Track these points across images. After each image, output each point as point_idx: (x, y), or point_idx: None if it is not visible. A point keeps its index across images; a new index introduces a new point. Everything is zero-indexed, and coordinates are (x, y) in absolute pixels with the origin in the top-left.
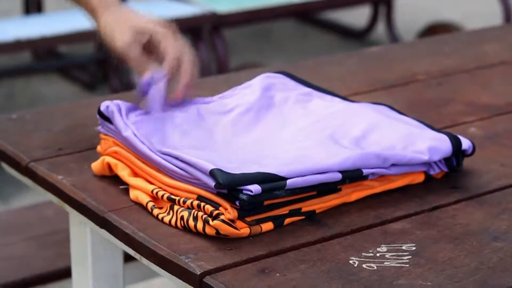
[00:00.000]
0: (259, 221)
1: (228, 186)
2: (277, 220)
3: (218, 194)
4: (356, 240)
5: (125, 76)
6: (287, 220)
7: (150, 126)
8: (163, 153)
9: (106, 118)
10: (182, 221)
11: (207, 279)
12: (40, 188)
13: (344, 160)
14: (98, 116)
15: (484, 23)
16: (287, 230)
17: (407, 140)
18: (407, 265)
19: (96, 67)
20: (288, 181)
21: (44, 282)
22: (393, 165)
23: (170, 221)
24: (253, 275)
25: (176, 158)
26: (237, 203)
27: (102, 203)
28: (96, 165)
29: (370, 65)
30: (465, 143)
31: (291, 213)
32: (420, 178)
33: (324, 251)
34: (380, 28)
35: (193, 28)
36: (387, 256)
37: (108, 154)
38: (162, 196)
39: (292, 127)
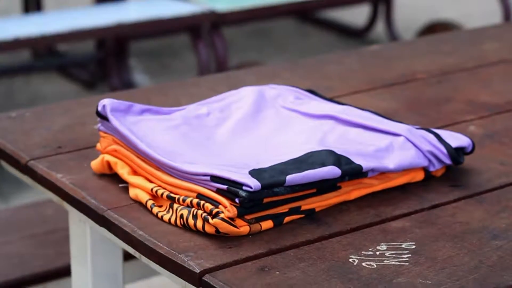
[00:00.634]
0: (259, 219)
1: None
2: (277, 219)
3: (218, 192)
4: (355, 238)
5: (125, 75)
6: (287, 219)
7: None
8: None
9: (104, 117)
10: (181, 220)
11: (207, 277)
12: (39, 186)
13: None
14: (96, 114)
15: (483, 22)
16: (287, 229)
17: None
18: (407, 264)
19: (96, 65)
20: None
21: (43, 281)
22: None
23: (169, 219)
24: (253, 274)
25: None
26: (236, 200)
27: (102, 201)
28: (95, 163)
29: (370, 64)
30: (465, 141)
31: (291, 212)
32: (420, 176)
33: (323, 249)
34: (380, 27)
35: (192, 27)
36: (386, 254)
37: (107, 152)
38: (162, 194)
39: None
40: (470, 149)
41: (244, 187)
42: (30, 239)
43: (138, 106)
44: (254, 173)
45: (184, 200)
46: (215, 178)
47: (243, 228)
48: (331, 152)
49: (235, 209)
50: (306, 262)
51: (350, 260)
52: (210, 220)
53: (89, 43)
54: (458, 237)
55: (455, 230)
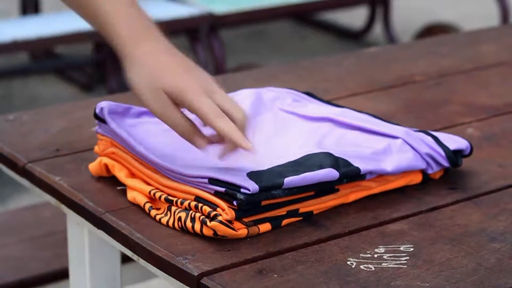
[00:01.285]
0: (257, 222)
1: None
2: (275, 221)
3: (216, 195)
4: (353, 241)
5: (123, 77)
6: (285, 221)
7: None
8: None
9: (102, 119)
10: (179, 222)
11: (205, 280)
12: (37, 189)
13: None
14: (94, 117)
15: (481, 24)
16: (285, 231)
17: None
18: (405, 266)
19: (94, 68)
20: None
21: (41, 283)
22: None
23: (167, 222)
24: (251, 276)
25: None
26: (234, 203)
27: (100, 204)
28: (93, 166)
29: (368, 66)
30: (463, 144)
31: (289, 214)
32: (418, 179)
33: (321, 252)
34: (378, 29)
35: (190, 29)
36: (384, 257)
37: (105, 155)
38: (160, 197)
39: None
40: (468, 151)
41: (242, 190)
42: (28, 241)
43: (135, 109)
44: (252, 175)
45: (182, 203)
46: (213, 181)
47: (241, 230)
48: (329, 155)
49: (233, 211)
50: (304, 265)
51: (348, 262)
52: (208, 223)
53: (86, 46)
54: (456, 240)
55: (453, 232)
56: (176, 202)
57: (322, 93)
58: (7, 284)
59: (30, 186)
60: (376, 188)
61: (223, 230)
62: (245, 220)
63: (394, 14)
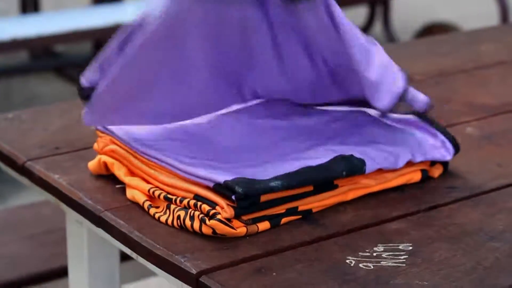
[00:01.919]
0: (256, 220)
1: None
2: (274, 220)
3: (215, 191)
4: (352, 239)
5: None
6: (284, 220)
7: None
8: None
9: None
10: (178, 221)
11: (204, 279)
12: (36, 187)
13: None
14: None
15: (481, 24)
16: (284, 230)
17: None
18: (404, 265)
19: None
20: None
21: (40, 281)
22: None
23: (166, 220)
24: (250, 275)
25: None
26: (233, 197)
27: (99, 202)
28: (92, 164)
29: None
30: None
31: (288, 212)
32: (417, 177)
33: (320, 250)
34: (377, 28)
35: None
36: (383, 255)
37: (104, 153)
38: (159, 195)
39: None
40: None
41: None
42: (27, 239)
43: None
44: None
45: (181, 201)
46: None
47: (240, 229)
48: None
49: (232, 209)
50: (303, 263)
51: (347, 261)
52: (207, 221)
53: (86, 44)
54: (455, 239)
55: (452, 231)
56: (175, 200)
57: None
58: (6, 281)
59: (30, 184)
60: (375, 186)
61: (222, 228)
62: (244, 218)
63: (394, 13)
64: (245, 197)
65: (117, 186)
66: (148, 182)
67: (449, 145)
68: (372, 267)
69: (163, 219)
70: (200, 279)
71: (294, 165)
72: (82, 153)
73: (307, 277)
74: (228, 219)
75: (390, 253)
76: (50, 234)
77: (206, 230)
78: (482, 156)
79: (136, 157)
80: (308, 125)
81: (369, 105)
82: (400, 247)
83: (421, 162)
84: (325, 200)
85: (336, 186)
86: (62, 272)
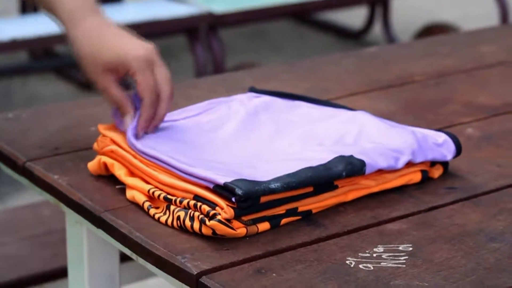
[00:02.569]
0: (256, 221)
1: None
2: (274, 220)
3: (215, 192)
4: (352, 240)
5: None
6: (284, 220)
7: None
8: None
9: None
10: (178, 221)
11: (204, 279)
12: (36, 187)
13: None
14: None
15: (480, 24)
16: (284, 230)
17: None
18: (404, 266)
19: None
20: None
21: (40, 282)
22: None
23: (166, 221)
24: (250, 275)
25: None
26: (233, 199)
27: (99, 202)
28: (92, 165)
29: (367, 66)
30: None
31: (288, 213)
32: (417, 178)
33: (320, 251)
34: (377, 29)
35: (189, 28)
36: (383, 256)
37: (104, 153)
38: (159, 196)
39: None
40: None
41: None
42: (27, 240)
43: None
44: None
45: (181, 202)
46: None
47: (240, 230)
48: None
49: (231, 210)
50: (303, 264)
51: (347, 262)
52: (207, 222)
53: None
54: (455, 239)
55: (452, 232)
56: (175, 201)
57: (321, 92)
58: (6, 282)
59: (29, 184)
60: (375, 187)
61: (222, 229)
62: (244, 218)
63: (394, 14)
64: (245, 199)
65: (117, 186)
66: (148, 183)
67: (451, 144)
68: (372, 268)
69: (163, 219)
70: (200, 280)
71: (294, 165)
72: (82, 154)
73: (307, 278)
74: (228, 220)
75: (390, 254)
76: (49, 235)
77: (206, 230)
78: (482, 156)
79: (135, 157)
80: (308, 125)
81: None
82: (400, 248)
83: (421, 163)
84: (325, 200)
85: (336, 187)
86: (62, 273)
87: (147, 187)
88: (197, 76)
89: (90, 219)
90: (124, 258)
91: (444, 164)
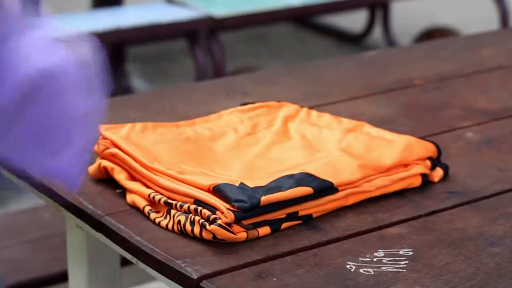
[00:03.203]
0: (256, 225)
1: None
2: (274, 225)
3: (215, 195)
4: (353, 244)
5: (122, 80)
6: (284, 225)
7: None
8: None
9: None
10: (179, 226)
11: (204, 284)
12: (36, 191)
13: None
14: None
15: (480, 28)
16: (284, 235)
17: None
18: (404, 270)
19: None
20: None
21: (40, 286)
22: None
23: (167, 225)
24: (250, 280)
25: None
26: (234, 203)
27: (99, 207)
28: (92, 169)
29: (367, 70)
30: None
31: (288, 217)
32: (417, 182)
33: (321, 255)
34: (377, 33)
35: (189, 32)
36: (384, 261)
37: (105, 156)
38: (159, 200)
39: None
40: None
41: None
42: (27, 244)
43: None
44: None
45: (181, 206)
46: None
47: (241, 234)
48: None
49: (232, 214)
50: (304, 269)
51: (348, 266)
52: (208, 226)
53: None
54: (455, 244)
55: (452, 236)
56: (176, 205)
57: (321, 96)
58: (6, 286)
59: (29, 188)
60: (376, 191)
61: (222, 233)
62: (245, 223)
63: (394, 18)
64: (249, 208)
65: (117, 190)
66: (148, 187)
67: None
68: (372, 273)
69: (163, 224)
70: (200, 284)
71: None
72: None
73: (307, 282)
74: (229, 224)
75: (391, 258)
76: (50, 239)
77: (206, 235)
78: (482, 161)
79: (136, 161)
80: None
81: None
82: (400, 253)
83: (422, 166)
84: (326, 204)
85: (336, 190)
86: (62, 277)
87: (147, 191)
88: (197, 80)
89: (90, 223)
90: (124, 262)
91: (445, 168)
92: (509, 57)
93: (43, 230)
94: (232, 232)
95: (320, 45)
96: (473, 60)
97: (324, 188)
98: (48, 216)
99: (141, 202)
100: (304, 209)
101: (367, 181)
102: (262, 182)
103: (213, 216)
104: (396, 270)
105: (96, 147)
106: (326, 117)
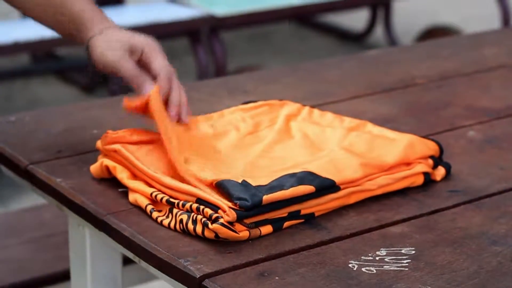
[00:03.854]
0: (258, 224)
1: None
2: (276, 224)
3: (218, 193)
4: (355, 243)
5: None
6: (286, 224)
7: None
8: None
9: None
10: (181, 224)
11: (206, 283)
12: (39, 190)
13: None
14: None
15: (482, 27)
16: (286, 234)
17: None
18: (406, 269)
19: (95, 69)
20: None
21: (42, 285)
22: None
23: (169, 224)
24: (252, 279)
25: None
26: (236, 201)
27: (101, 206)
28: (94, 168)
29: (369, 68)
30: None
31: (290, 216)
32: (419, 180)
33: (323, 254)
34: (379, 31)
35: (191, 31)
36: (386, 259)
37: (107, 153)
38: (161, 199)
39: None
40: None
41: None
42: (29, 243)
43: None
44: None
45: (183, 205)
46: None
47: (243, 233)
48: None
49: (234, 213)
50: (306, 267)
51: (350, 265)
52: (210, 225)
53: None
54: (458, 243)
55: (455, 235)
56: (178, 204)
57: (323, 95)
58: (7, 286)
59: (32, 187)
60: (378, 189)
61: (224, 232)
62: (247, 221)
63: (395, 17)
64: (251, 207)
65: (120, 190)
66: (150, 186)
67: None
68: (374, 271)
69: (165, 223)
70: (203, 283)
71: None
72: (85, 157)
73: (309, 281)
74: (231, 223)
75: (393, 257)
76: (52, 238)
77: (208, 234)
78: (484, 159)
79: (138, 159)
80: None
81: None
82: (402, 251)
83: (424, 164)
84: (328, 203)
85: (338, 188)
86: (64, 276)
87: (149, 190)
88: (199, 79)
89: (92, 222)
90: (126, 261)
91: (447, 166)
92: (511, 56)
93: (45, 229)
94: (234, 231)
95: (322, 44)
96: (475, 59)
97: (326, 187)
98: (50, 215)
99: (143, 201)
100: (306, 208)
101: (369, 180)
102: (264, 181)
103: (215, 215)
104: (398, 268)
105: (98, 143)
106: (328, 116)
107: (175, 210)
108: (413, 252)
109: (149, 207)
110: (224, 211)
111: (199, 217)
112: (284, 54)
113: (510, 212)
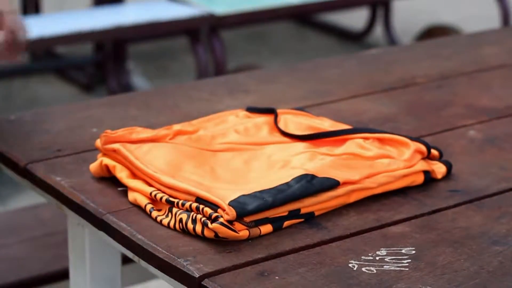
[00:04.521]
0: (258, 223)
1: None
2: (276, 223)
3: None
4: (355, 243)
5: (123, 78)
6: (286, 223)
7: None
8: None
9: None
10: (180, 224)
11: (206, 282)
12: (38, 189)
13: None
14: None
15: (482, 26)
16: (286, 233)
17: None
18: (407, 269)
19: (94, 68)
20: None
21: (41, 284)
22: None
23: (168, 223)
24: (252, 278)
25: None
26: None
27: (101, 205)
28: (94, 167)
29: (369, 68)
30: None
31: (290, 215)
32: (420, 179)
33: (323, 254)
34: (378, 31)
35: (191, 30)
36: (386, 259)
37: (107, 152)
38: (161, 198)
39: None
40: None
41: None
42: (28, 242)
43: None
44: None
45: (183, 204)
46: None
47: (242, 232)
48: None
49: (233, 211)
50: (306, 267)
51: (350, 265)
52: (210, 225)
53: (87, 46)
54: (458, 243)
55: (455, 235)
56: (177, 203)
57: (323, 95)
58: (7, 284)
59: (31, 186)
60: (378, 188)
61: (224, 232)
62: (247, 220)
63: (395, 16)
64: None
65: (119, 189)
66: (150, 185)
67: None
68: (375, 271)
69: (165, 222)
70: (202, 283)
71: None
72: (84, 156)
73: (309, 281)
74: (230, 222)
75: (393, 257)
76: (51, 237)
77: (208, 233)
78: (485, 159)
79: (137, 158)
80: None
81: None
82: (403, 251)
83: (424, 163)
84: (328, 202)
85: (337, 183)
86: (63, 275)
87: (149, 189)
88: (198, 78)
89: (92, 221)
90: (125, 260)
91: (448, 165)
92: (511, 55)
93: (44, 228)
94: (234, 230)
95: (321, 43)
96: (475, 58)
97: (326, 184)
98: (49, 214)
99: (142, 200)
100: (306, 206)
101: (369, 177)
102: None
103: (215, 214)
104: (398, 268)
105: (97, 142)
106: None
107: (174, 209)
108: (414, 252)
109: (149, 206)
110: (224, 210)
111: (199, 216)
112: (284, 53)
113: (511, 212)
